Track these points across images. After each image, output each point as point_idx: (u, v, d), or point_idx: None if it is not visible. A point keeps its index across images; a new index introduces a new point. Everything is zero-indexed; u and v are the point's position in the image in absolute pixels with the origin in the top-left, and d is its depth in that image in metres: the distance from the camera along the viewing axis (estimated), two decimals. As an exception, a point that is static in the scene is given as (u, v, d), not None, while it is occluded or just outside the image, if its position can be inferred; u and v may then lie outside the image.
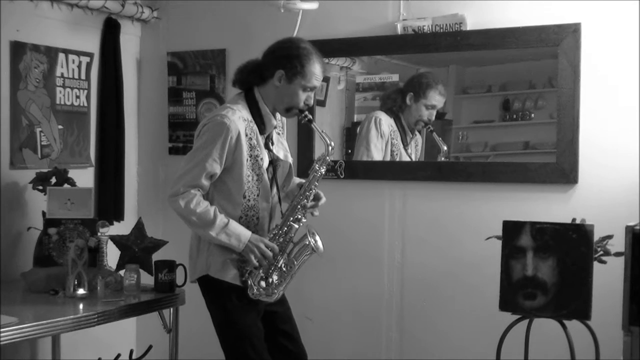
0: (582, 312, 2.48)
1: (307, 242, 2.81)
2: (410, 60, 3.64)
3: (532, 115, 3.38)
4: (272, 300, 2.83)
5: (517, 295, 2.57)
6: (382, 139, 3.59)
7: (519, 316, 2.61)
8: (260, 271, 2.79)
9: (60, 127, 3.72)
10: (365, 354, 3.60)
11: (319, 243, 2.84)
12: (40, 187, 3.43)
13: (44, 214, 3.41)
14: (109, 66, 3.93)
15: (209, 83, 3.98)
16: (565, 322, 2.55)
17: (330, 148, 2.85)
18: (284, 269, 2.82)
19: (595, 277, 2.49)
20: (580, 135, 3.11)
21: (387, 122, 3.60)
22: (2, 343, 2.53)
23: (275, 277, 2.81)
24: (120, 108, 3.97)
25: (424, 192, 3.48)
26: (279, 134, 2.97)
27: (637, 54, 3.01)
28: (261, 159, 2.80)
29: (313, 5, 3.54)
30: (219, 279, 2.79)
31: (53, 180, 3.47)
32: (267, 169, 2.85)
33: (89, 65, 3.86)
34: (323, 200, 2.90)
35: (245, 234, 2.75)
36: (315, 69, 2.77)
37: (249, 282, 2.78)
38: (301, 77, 2.75)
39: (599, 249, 2.59)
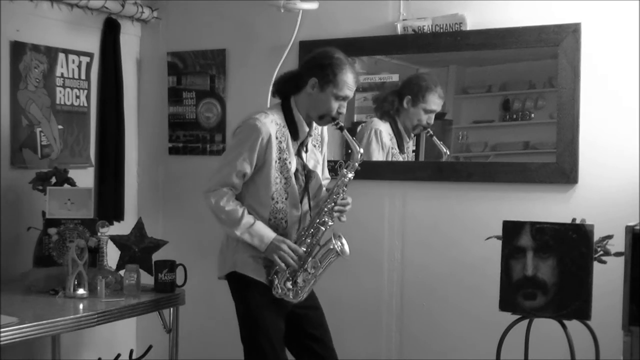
0: (582, 312, 2.48)
1: (332, 247, 2.86)
2: (410, 60, 3.63)
3: (532, 115, 3.38)
4: (295, 301, 2.89)
5: (517, 295, 2.57)
6: (383, 152, 3.54)
7: (519, 316, 2.61)
8: (287, 272, 2.86)
9: (60, 127, 3.72)
10: (365, 354, 3.60)
11: (345, 247, 2.89)
12: (40, 187, 3.43)
13: (44, 214, 3.41)
14: (109, 66, 3.93)
15: (209, 83, 3.99)
16: (565, 322, 2.55)
17: (359, 155, 2.90)
18: (310, 270, 2.88)
19: (595, 277, 2.49)
20: (580, 135, 3.11)
21: (386, 132, 3.54)
22: (2, 343, 2.54)
23: (300, 279, 2.88)
24: (120, 108, 3.97)
25: (424, 192, 3.47)
26: (315, 145, 3.05)
27: (637, 54, 3.01)
28: (289, 162, 2.89)
29: (313, 5, 3.54)
30: (244, 274, 2.88)
31: (53, 180, 3.47)
32: (297, 177, 2.93)
33: (89, 65, 3.86)
34: (349, 205, 2.94)
35: (269, 235, 2.84)
36: (348, 78, 2.85)
37: (275, 281, 2.86)
38: (333, 85, 2.83)
39: (599, 249, 2.59)
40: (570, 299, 2.49)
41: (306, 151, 2.98)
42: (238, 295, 2.95)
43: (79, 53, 3.80)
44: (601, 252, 2.59)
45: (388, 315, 3.56)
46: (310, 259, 2.88)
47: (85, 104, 3.86)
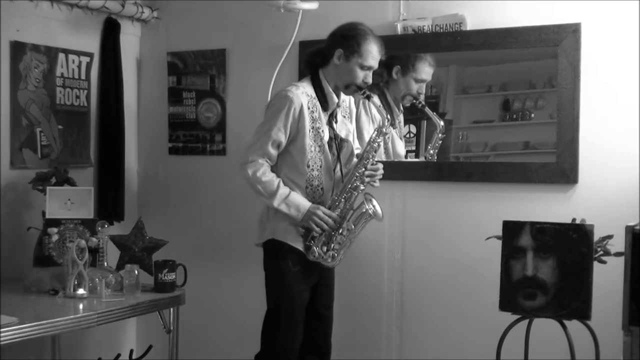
0: (582, 312, 2.48)
1: (365, 210, 2.99)
2: (410, 60, 3.62)
3: (532, 115, 3.37)
4: (332, 264, 3.05)
5: (517, 295, 2.57)
6: (374, 124, 3.46)
7: (519, 316, 2.61)
8: (323, 236, 2.95)
9: (60, 127, 3.72)
10: (365, 353, 3.60)
11: (377, 208, 3.02)
12: (40, 187, 3.43)
13: (44, 214, 3.41)
14: (109, 66, 3.93)
15: (209, 83, 3.98)
16: (565, 322, 2.55)
17: (387, 121, 3.02)
18: (345, 233, 3.00)
19: (595, 277, 2.49)
20: (580, 135, 3.11)
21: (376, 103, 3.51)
22: (2, 343, 2.54)
23: (336, 242, 3.00)
24: (120, 108, 3.97)
25: (424, 192, 3.47)
26: (344, 116, 3.17)
27: (637, 53, 3.01)
28: (322, 131, 3.03)
29: (313, 5, 3.54)
30: (282, 240, 3.00)
31: (53, 180, 3.47)
32: (331, 145, 3.06)
33: (89, 65, 3.86)
34: (381, 171, 3.07)
35: (305, 204, 2.97)
36: (372, 48, 2.99)
37: (312, 246, 2.97)
38: (358, 55, 2.97)
39: (599, 249, 2.59)
40: (570, 299, 2.49)
41: (336, 122, 3.10)
42: (272, 262, 3.06)
43: (79, 53, 3.80)
44: (601, 252, 2.59)
45: (388, 315, 3.56)
46: (344, 222, 3.00)
47: (85, 104, 3.86)
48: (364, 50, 2.96)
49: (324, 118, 3.05)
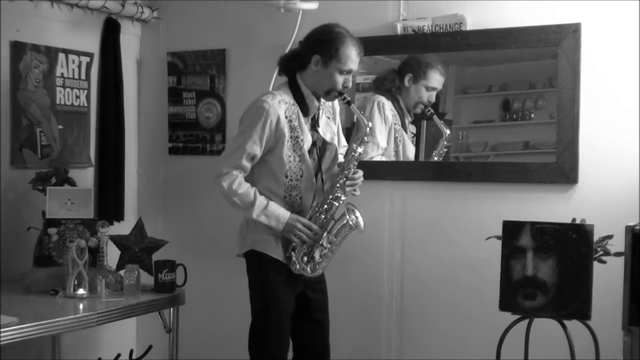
0: (582, 312, 2.49)
1: (346, 221, 2.93)
2: (410, 61, 3.62)
3: (532, 115, 3.37)
4: (313, 275, 2.97)
5: (517, 295, 2.57)
6: (386, 125, 3.51)
7: (519, 316, 2.61)
8: (304, 247, 2.91)
9: (60, 127, 3.72)
10: (365, 354, 3.60)
11: (360, 220, 2.96)
12: (40, 187, 3.43)
13: (44, 214, 3.41)
14: (109, 66, 3.93)
15: (209, 83, 3.99)
16: (565, 322, 2.55)
17: (367, 129, 2.94)
18: (326, 245, 2.94)
19: (595, 277, 2.49)
20: (580, 135, 3.11)
21: (389, 106, 3.51)
22: (2, 343, 2.54)
23: (317, 254, 2.94)
24: (120, 108, 3.97)
25: (424, 192, 3.47)
26: (328, 117, 3.09)
27: (637, 54, 3.01)
28: (302, 139, 2.92)
29: (313, 5, 3.55)
30: (262, 252, 2.93)
31: (53, 180, 3.47)
32: (312, 151, 2.97)
33: (89, 65, 3.86)
34: (361, 179, 3.01)
35: (284, 214, 2.89)
36: (350, 51, 2.88)
37: (293, 257, 2.91)
38: (336, 60, 2.86)
39: (599, 249, 2.59)
40: (570, 299, 2.49)
41: (319, 125, 3.02)
42: (253, 273, 3.01)
43: (79, 53, 3.80)
44: (601, 252, 2.59)
45: (388, 315, 3.56)
46: (325, 234, 2.94)
47: (85, 104, 3.86)
48: (342, 55, 2.85)
49: (306, 124, 2.96)
